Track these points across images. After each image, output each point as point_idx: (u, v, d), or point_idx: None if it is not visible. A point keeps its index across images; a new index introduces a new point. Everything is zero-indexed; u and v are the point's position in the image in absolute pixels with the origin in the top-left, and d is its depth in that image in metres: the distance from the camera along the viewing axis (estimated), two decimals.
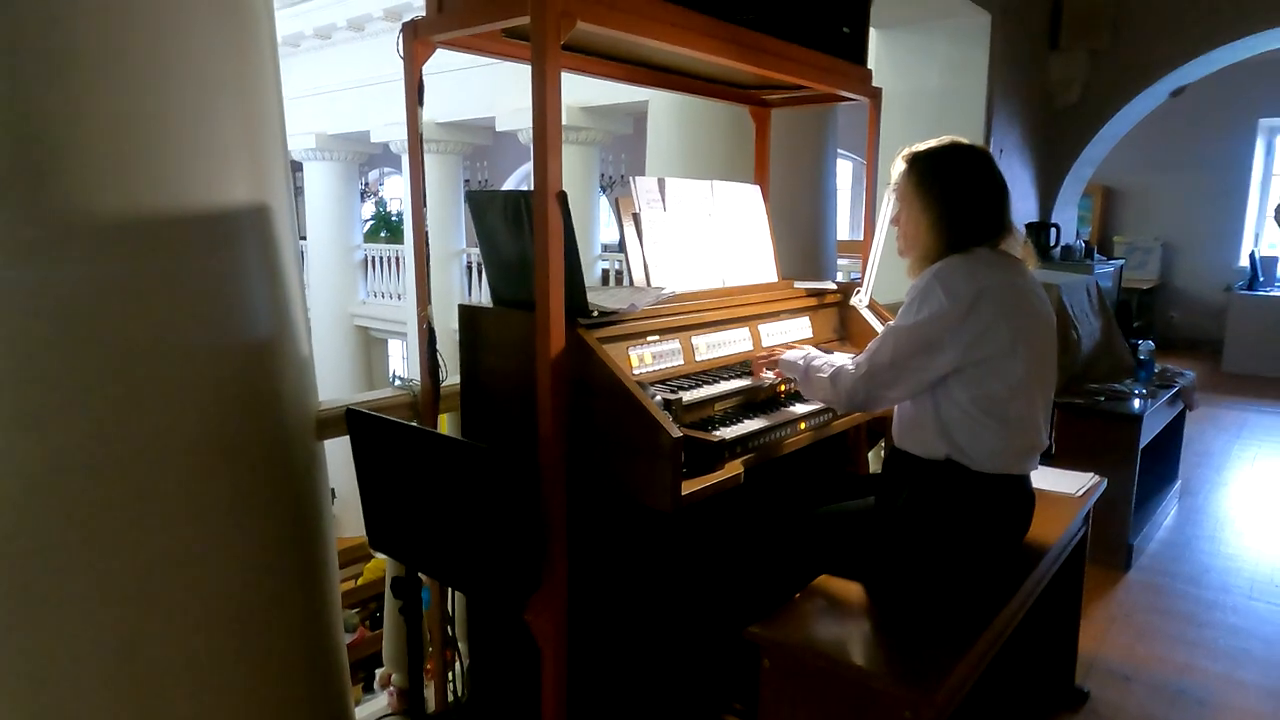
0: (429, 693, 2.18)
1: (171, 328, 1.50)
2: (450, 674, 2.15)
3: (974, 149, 1.81)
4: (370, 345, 11.95)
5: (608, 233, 10.19)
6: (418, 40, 1.77)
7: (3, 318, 1.38)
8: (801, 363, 1.93)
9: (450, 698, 2.15)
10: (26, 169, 1.34)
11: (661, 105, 3.54)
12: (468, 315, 1.87)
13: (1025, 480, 1.82)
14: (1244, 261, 8.65)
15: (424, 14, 1.76)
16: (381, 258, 11.40)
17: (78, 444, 1.43)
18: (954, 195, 1.76)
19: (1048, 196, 6.26)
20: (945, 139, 1.82)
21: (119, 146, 1.40)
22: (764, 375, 2.02)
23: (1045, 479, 2.35)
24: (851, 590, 1.74)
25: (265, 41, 1.68)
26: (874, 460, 2.92)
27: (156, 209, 1.44)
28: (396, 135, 10.07)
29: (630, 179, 2.06)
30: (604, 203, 10.53)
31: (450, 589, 2.06)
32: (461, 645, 2.22)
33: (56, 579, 1.45)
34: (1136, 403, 3.42)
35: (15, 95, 1.33)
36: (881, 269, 2.46)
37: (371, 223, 13.60)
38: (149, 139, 1.44)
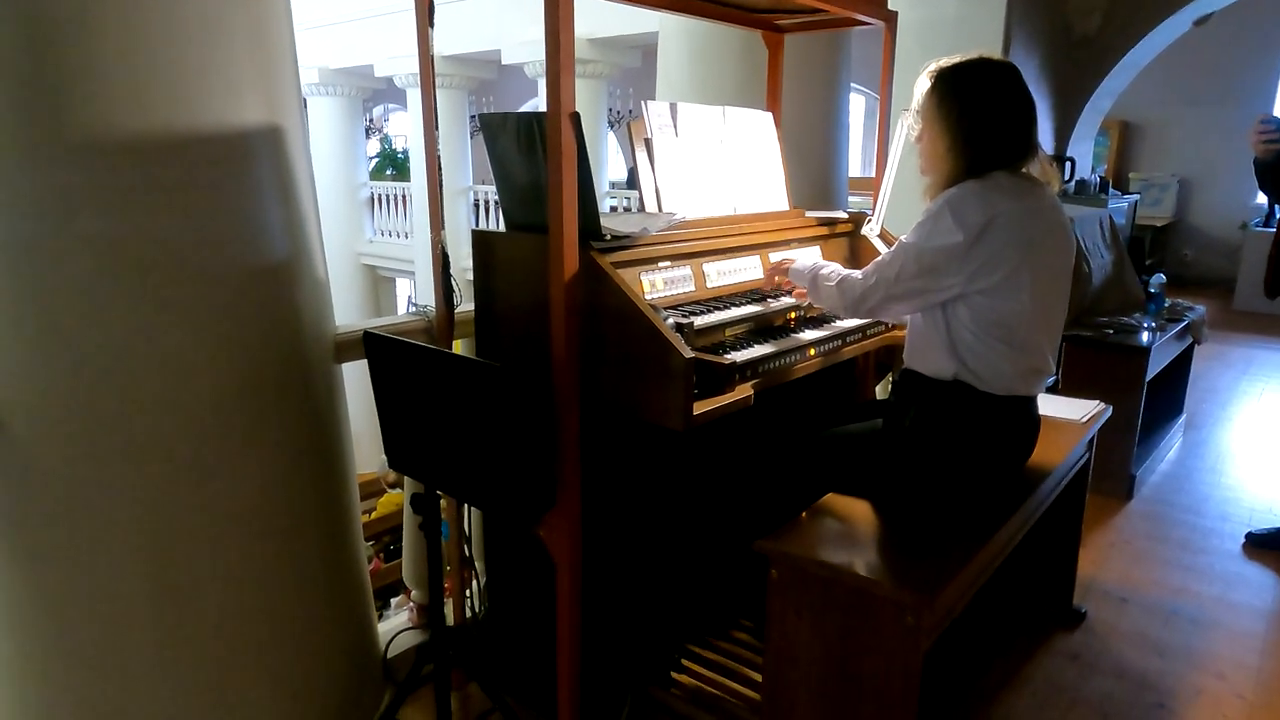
0: (447, 609, 2.26)
1: (188, 246, 1.52)
2: (468, 591, 2.23)
3: (1002, 65, 1.76)
4: (378, 284, 11.97)
5: (615, 170, 10.09)
6: None
7: (24, 231, 1.41)
8: (809, 271, 1.97)
9: (468, 613, 2.23)
10: (43, 87, 1.35)
11: (672, 34, 3.48)
12: (481, 240, 1.88)
13: (1031, 402, 1.85)
14: (1261, 198, 8.53)
15: None
16: (388, 195, 11.33)
17: (101, 357, 1.47)
18: (975, 118, 1.72)
19: (1064, 129, 6.14)
20: (974, 54, 1.77)
21: (132, 64, 1.40)
22: (775, 281, 2.07)
23: (1051, 406, 2.38)
24: (858, 507, 1.79)
25: None
26: (881, 392, 2.95)
27: (171, 127, 1.45)
28: (401, 69, 9.91)
29: (643, 103, 2.05)
30: (612, 139, 10.40)
31: (466, 510, 2.12)
32: (478, 564, 2.30)
33: (83, 488, 1.51)
34: (1145, 335, 3.44)
35: (34, 17, 1.33)
36: (894, 199, 2.45)
37: (377, 160, 13.47)
38: (163, 59, 1.44)
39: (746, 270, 2.13)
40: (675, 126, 2.11)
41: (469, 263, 1.92)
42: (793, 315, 2.10)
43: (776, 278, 2.07)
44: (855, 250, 2.54)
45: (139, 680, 1.62)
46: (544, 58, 1.46)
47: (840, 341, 2.06)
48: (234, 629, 1.69)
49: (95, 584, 1.56)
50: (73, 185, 1.40)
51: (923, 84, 1.80)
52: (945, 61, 1.78)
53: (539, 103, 10.92)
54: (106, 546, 1.54)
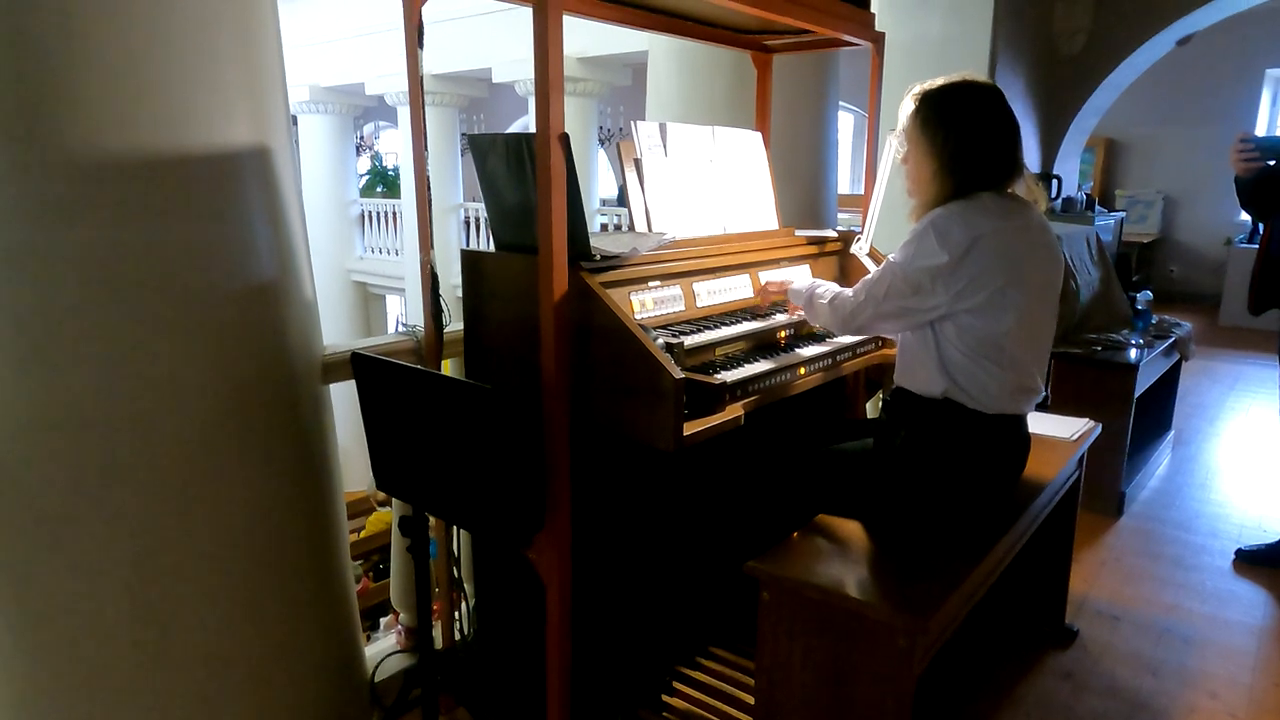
0: (436, 632, 2.24)
1: (175, 266, 1.51)
2: (456, 613, 2.21)
3: (985, 87, 1.77)
4: (369, 301, 11.93)
5: (606, 188, 10.12)
6: None
7: (8, 248, 1.39)
8: (806, 290, 2.00)
9: (457, 636, 2.21)
10: (29, 104, 1.34)
11: (661, 54, 3.50)
12: (470, 260, 1.88)
13: (1021, 421, 1.85)
14: (1245, 214, 8.61)
15: None
16: (378, 212, 11.32)
17: (85, 375, 1.46)
18: (960, 141, 1.73)
19: (1050, 147, 6.21)
20: (956, 76, 1.78)
21: (119, 82, 1.40)
22: (772, 306, 2.10)
23: (1041, 424, 2.39)
24: (849, 528, 1.78)
25: None
26: (872, 410, 2.95)
27: (159, 148, 1.44)
28: (391, 87, 9.94)
29: (632, 123, 2.05)
30: (603, 156, 10.44)
31: (455, 532, 2.10)
32: (467, 586, 2.27)
33: (71, 510, 1.49)
34: (1133, 352, 3.45)
35: (18, 34, 1.32)
36: (883, 217, 2.46)
37: (367, 177, 13.48)
38: (150, 78, 1.43)
39: (736, 289, 2.13)
40: (665, 146, 2.12)
41: (459, 280, 1.91)
42: (783, 334, 2.10)
43: (772, 295, 2.10)
44: (845, 269, 2.55)
45: (121, 702, 1.60)
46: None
47: (830, 360, 2.06)
48: (218, 651, 1.67)
49: (78, 604, 1.53)
50: (57, 203, 1.39)
51: (907, 106, 1.81)
52: (929, 84, 1.79)
53: (530, 121, 10.97)
54: (90, 566, 1.52)
